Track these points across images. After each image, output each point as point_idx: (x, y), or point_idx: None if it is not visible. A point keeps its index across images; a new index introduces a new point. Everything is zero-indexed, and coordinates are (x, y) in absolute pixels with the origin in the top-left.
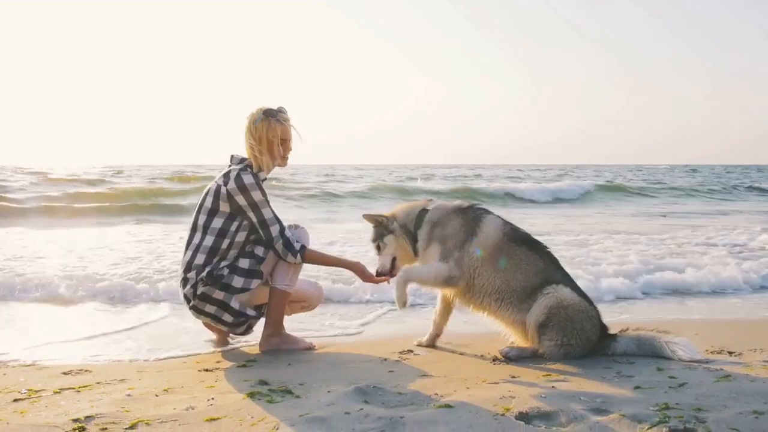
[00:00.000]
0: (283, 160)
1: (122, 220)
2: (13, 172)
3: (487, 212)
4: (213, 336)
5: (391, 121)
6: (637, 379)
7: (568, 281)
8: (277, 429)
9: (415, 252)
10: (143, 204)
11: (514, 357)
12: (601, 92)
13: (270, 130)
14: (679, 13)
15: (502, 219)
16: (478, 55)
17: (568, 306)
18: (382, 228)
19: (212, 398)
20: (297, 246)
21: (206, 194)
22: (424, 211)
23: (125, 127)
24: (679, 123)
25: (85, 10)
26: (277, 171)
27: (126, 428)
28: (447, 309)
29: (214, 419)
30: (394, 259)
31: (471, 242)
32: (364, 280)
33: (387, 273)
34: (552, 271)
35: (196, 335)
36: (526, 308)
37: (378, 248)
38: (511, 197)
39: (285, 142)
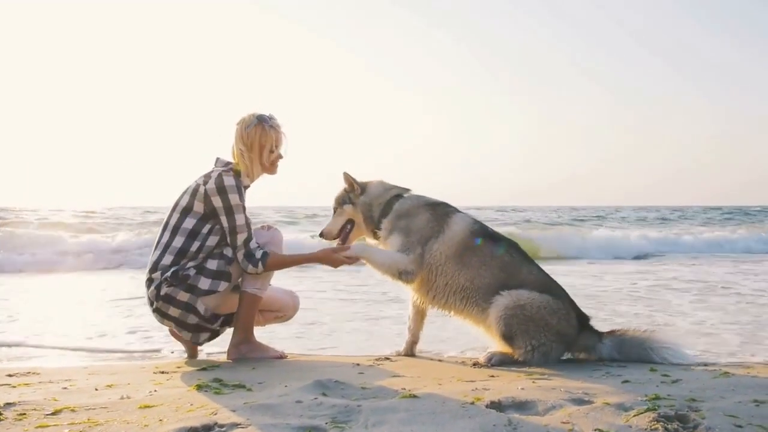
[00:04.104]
0: (273, 168)
1: None
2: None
3: (457, 211)
4: (182, 347)
5: (396, 161)
6: (626, 377)
7: (532, 274)
8: (215, 414)
9: (374, 234)
10: None
11: (496, 363)
12: (605, 133)
13: (263, 135)
14: (685, 55)
15: (472, 218)
16: (484, 94)
17: (525, 305)
18: (347, 195)
19: (155, 390)
20: (258, 254)
21: (183, 193)
22: (397, 197)
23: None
24: (684, 163)
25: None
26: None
27: (47, 414)
28: (420, 313)
29: (148, 406)
30: (346, 228)
31: (436, 239)
32: (335, 266)
33: (330, 237)
34: (518, 265)
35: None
36: (488, 303)
37: (335, 211)
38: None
39: (276, 149)
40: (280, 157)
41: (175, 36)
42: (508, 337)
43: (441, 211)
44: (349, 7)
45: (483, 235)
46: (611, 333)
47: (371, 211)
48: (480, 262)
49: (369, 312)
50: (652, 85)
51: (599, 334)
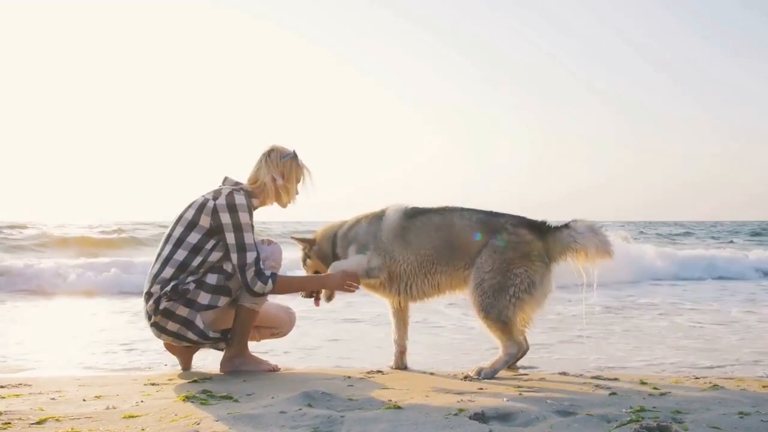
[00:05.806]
0: (290, 203)
1: None
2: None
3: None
4: (176, 360)
5: (402, 178)
6: (615, 389)
7: (464, 218)
8: (198, 424)
9: None
10: None
11: (486, 376)
12: (609, 148)
13: (296, 169)
14: (688, 71)
15: (405, 205)
16: (488, 110)
17: (483, 266)
18: (304, 253)
19: (141, 401)
20: (268, 273)
21: (188, 206)
22: (339, 227)
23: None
24: (687, 179)
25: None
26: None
27: (32, 423)
28: (402, 320)
29: (132, 416)
30: None
31: (380, 232)
32: (338, 289)
33: (307, 294)
34: (449, 219)
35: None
36: (453, 267)
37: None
38: None
39: (297, 185)
40: (297, 193)
41: (181, 44)
42: (490, 308)
43: (374, 213)
44: (356, 26)
45: (415, 212)
46: (575, 221)
47: (324, 251)
48: (416, 234)
49: (431, 320)
50: (655, 101)
51: (565, 226)
